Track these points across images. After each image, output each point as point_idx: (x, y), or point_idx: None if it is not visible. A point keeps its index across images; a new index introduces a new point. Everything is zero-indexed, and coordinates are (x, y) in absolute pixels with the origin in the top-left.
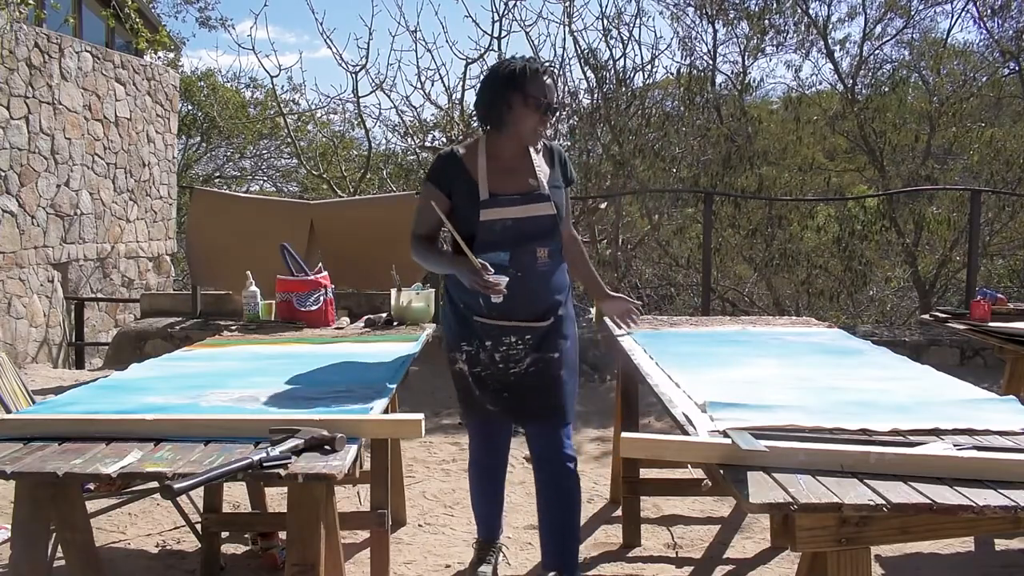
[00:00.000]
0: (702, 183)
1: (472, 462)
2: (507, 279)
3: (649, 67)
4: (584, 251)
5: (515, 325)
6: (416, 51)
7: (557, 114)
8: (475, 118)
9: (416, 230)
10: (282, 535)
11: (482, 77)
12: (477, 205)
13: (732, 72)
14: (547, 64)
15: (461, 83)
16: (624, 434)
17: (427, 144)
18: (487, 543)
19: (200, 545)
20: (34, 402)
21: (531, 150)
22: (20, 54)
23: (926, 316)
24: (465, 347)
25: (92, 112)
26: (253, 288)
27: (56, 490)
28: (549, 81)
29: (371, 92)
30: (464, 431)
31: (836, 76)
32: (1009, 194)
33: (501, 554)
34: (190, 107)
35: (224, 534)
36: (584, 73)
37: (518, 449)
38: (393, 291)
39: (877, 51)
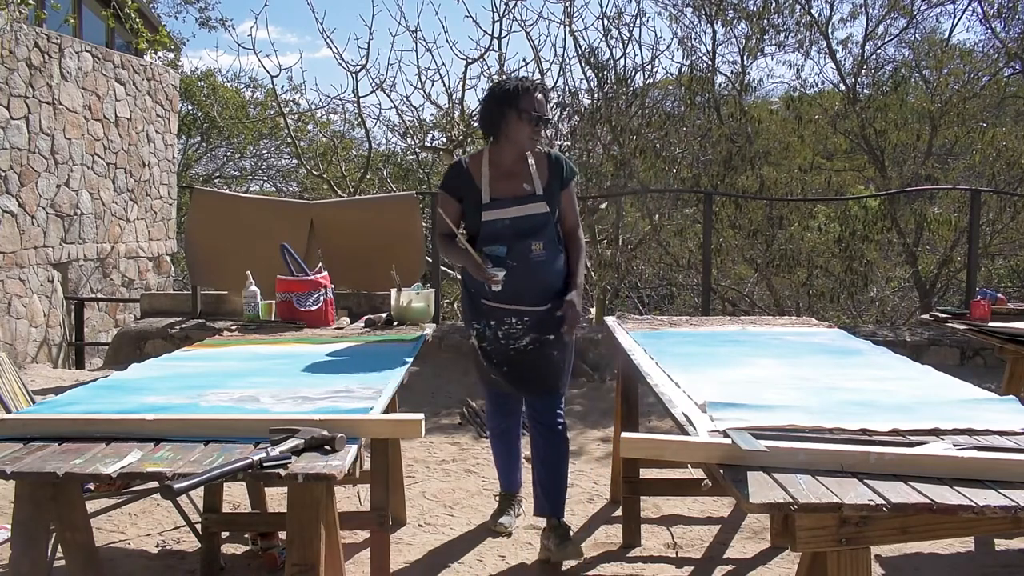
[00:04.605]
0: (703, 183)
1: (489, 426)
2: (503, 272)
3: (649, 67)
4: (580, 252)
5: (515, 308)
6: (416, 51)
7: (548, 125)
8: (479, 128)
9: (438, 230)
10: (282, 535)
11: (483, 96)
12: (481, 207)
13: (732, 72)
14: (538, 82)
15: (461, 83)
16: (624, 434)
17: (427, 144)
18: (507, 496)
19: (200, 545)
20: (34, 402)
21: (529, 157)
22: (20, 54)
23: (926, 316)
24: (475, 325)
25: (92, 112)
26: (253, 288)
27: (56, 490)
28: (540, 96)
29: (371, 92)
30: (464, 431)
31: (838, 76)
32: (1010, 194)
33: (520, 506)
34: (190, 107)
35: (224, 534)
36: (585, 73)
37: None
38: (393, 291)
39: (879, 51)
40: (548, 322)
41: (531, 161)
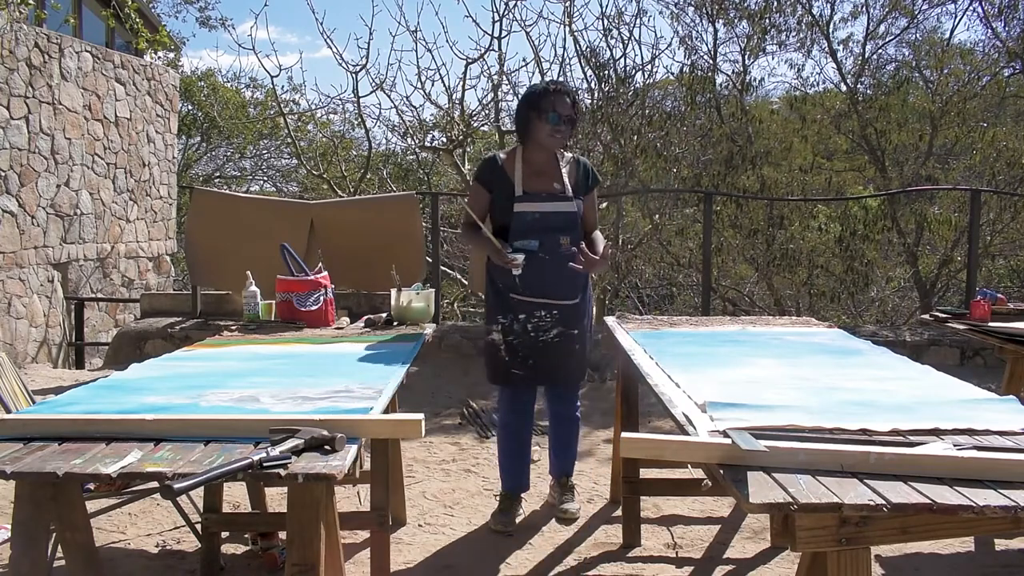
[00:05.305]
0: (703, 183)
1: (500, 423)
2: (523, 256)
3: (650, 67)
4: (601, 236)
5: (544, 302)
6: (416, 51)
7: (573, 124)
8: (515, 133)
9: (465, 219)
10: (282, 535)
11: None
12: (513, 199)
13: (733, 72)
14: (563, 84)
15: (461, 83)
16: (624, 434)
17: (427, 144)
18: (507, 495)
19: (200, 545)
20: (34, 402)
21: (559, 159)
22: (20, 54)
23: (926, 316)
24: (501, 319)
25: (92, 112)
26: (253, 288)
27: (56, 490)
28: (564, 97)
29: (371, 92)
30: (464, 431)
31: (839, 75)
32: (1010, 194)
33: (520, 507)
34: (190, 107)
35: (224, 534)
36: (585, 73)
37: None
38: (393, 291)
39: (880, 51)
40: (574, 316)
41: (562, 164)
